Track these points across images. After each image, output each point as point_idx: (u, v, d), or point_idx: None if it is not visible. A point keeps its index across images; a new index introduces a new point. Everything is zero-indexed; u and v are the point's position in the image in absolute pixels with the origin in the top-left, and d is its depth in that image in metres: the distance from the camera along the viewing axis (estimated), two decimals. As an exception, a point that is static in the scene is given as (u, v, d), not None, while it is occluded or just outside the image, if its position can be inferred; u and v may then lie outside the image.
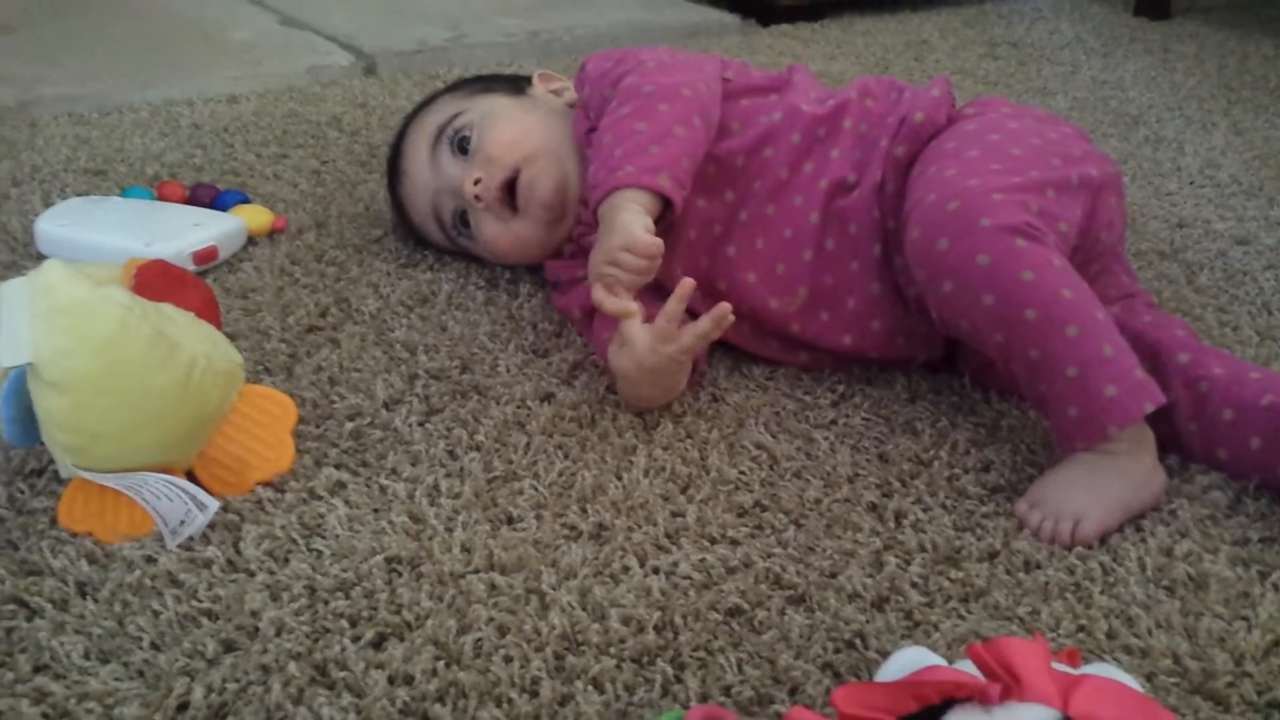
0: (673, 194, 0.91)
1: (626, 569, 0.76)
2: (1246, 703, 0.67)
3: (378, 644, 0.69)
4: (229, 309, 1.04)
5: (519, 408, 0.93)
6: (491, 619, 0.71)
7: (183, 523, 0.76)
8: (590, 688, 0.66)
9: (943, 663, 0.58)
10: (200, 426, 0.80)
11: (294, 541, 0.77)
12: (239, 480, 0.81)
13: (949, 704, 0.52)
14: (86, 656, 0.67)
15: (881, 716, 0.52)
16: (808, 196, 0.97)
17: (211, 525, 0.78)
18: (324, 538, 0.78)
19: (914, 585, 0.75)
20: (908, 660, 0.59)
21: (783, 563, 0.77)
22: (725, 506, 0.82)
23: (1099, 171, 0.94)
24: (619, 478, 0.85)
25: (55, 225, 1.15)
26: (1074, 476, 0.81)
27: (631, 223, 0.88)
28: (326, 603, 0.72)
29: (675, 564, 0.76)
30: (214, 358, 0.80)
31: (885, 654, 0.67)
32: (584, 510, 0.81)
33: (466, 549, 0.77)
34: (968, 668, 0.54)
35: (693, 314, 0.90)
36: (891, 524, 0.81)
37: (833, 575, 0.76)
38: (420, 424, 0.90)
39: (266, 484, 0.82)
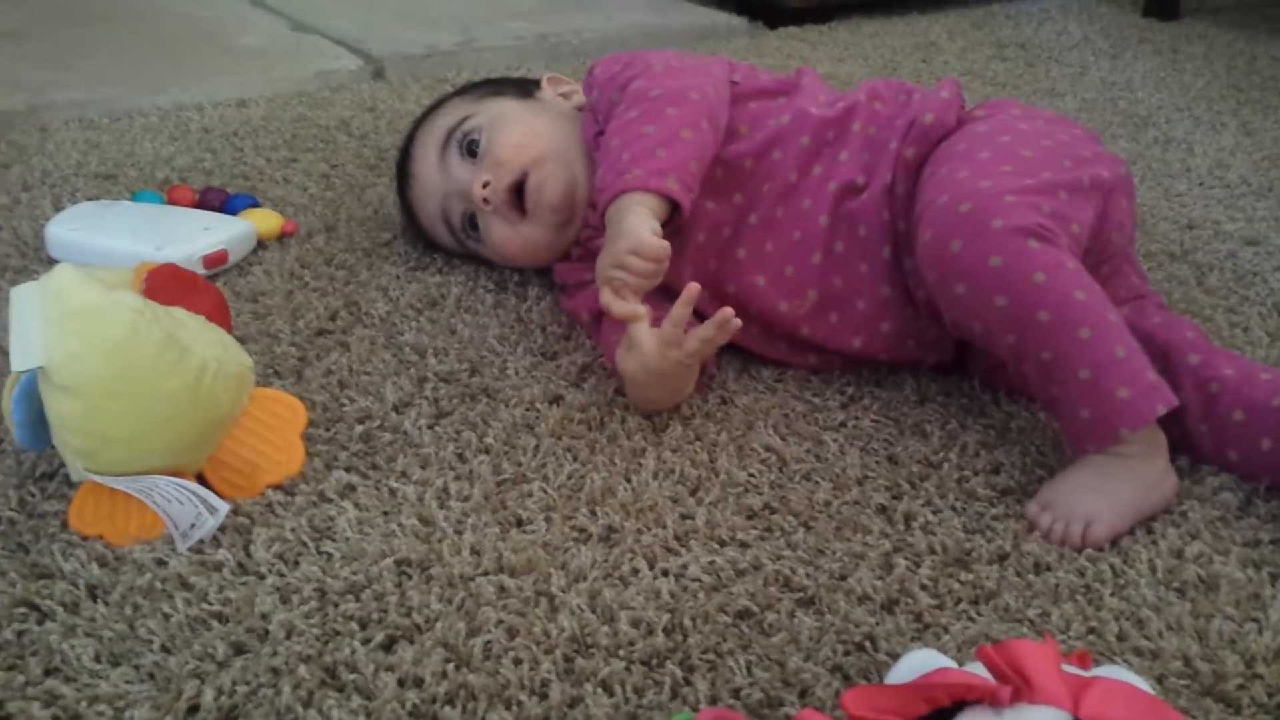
0: (680, 197, 0.91)
1: (636, 571, 0.76)
2: (1257, 705, 0.66)
3: (388, 646, 0.69)
4: (239, 312, 1.05)
5: (528, 410, 0.93)
6: (501, 621, 0.71)
7: (193, 526, 0.77)
8: (600, 690, 0.66)
9: (953, 665, 0.58)
10: (211, 430, 0.80)
11: (304, 544, 0.77)
12: (249, 483, 0.82)
13: (959, 706, 0.52)
14: (97, 659, 0.68)
15: (891, 719, 0.52)
16: (817, 199, 0.97)
17: (222, 528, 0.78)
18: (334, 540, 0.78)
19: (924, 587, 0.75)
20: (918, 663, 0.59)
21: (792, 565, 0.76)
22: (734, 509, 0.82)
23: (1110, 173, 0.94)
24: (628, 480, 0.85)
25: (66, 229, 1.15)
26: (1085, 479, 0.81)
27: (639, 226, 0.88)
28: (336, 605, 0.72)
29: (685, 566, 0.76)
30: (224, 361, 0.80)
31: (895, 656, 0.67)
32: (593, 513, 0.81)
33: (476, 551, 0.77)
34: (978, 670, 0.54)
35: (701, 317, 0.90)
36: (901, 526, 0.81)
37: (842, 577, 0.76)
38: (430, 427, 0.90)
39: (276, 487, 0.82)
